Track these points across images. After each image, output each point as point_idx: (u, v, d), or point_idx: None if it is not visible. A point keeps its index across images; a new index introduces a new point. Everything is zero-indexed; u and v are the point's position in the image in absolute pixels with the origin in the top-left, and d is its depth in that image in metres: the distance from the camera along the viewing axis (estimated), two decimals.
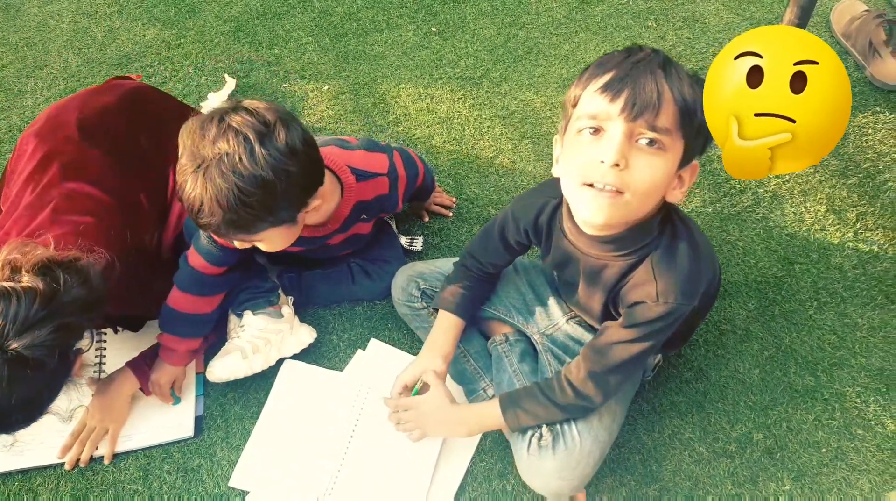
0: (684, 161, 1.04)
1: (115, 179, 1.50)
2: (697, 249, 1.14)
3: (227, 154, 1.15)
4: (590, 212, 1.05)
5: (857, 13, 2.16)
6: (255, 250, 1.39)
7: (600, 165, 1.00)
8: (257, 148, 1.15)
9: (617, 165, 0.98)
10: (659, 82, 0.98)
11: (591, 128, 1.01)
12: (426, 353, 1.46)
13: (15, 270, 1.14)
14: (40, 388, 1.18)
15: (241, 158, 1.15)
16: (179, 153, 1.22)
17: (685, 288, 1.12)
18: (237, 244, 1.34)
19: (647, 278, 1.13)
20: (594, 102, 1.01)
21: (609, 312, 1.26)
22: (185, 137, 1.21)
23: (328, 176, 1.38)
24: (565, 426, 1.27)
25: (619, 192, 1.01)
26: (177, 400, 1.58)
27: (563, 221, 1.22)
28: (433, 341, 1.46)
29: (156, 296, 1.52)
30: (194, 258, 1.49)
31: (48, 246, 1.22)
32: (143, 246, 1.53)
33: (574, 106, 1.06)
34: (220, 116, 1.19)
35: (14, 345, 1.08)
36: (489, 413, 1.34)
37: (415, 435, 1.43)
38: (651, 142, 0.99)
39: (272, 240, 1.31)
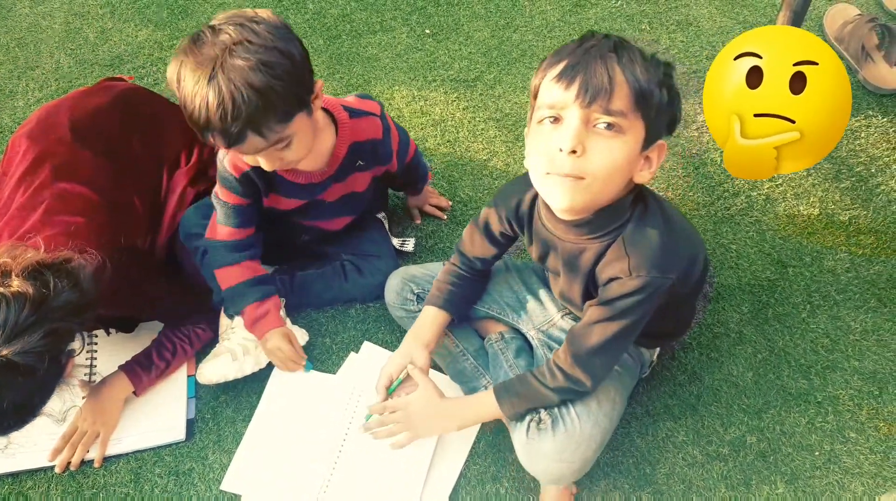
0: (648, 141, 1.06)
1: (108, 180, 1.49)
2: (671, 223, 1.15)
3: (235, 42, 1.14)
4: (554, 198, 1.09)
5: (850, 17, 2.17)
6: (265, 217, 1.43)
7: (559, 153, 1.02)
8: (257, 27, 1.16)
9: (574, 151, 1.01)
10: (610, 66, 1.00)
11: (550, 117, 1.04)
12: (409, 342, 1.45)
13: (4, 274, 1.12)
14: (32, 392, 1.18)
15: (249, 41, 1.15)
16: (181, 86, 1.19)
17: (658, 261, 1.12)
18: (266, 161, 1.31)
19: (620, 255, 1.14)
20: (551, 92, 1.04)
21: (589, 298, 1.27)
22: (182, 65, 1.18)
23: (322, 115, 1.40)
24: (563, 410, 1.27)
25: (580, 177, 1.03)
26: (308, 366, 1.58)
27: (541, 210, 1.24)
28: (415, 331, 1.46)
29: (148, 297, 1.51)
30: (220, 231, 1.50)
31: (38, 249, 1.21)
32: (136, 247, 1.52)
33: (535, 97, 1.09)
34: (202, 29, 1.18)
35: (4, 351, 1.08)
36: (482, 403, 1.34)
37: (403, 438, 1.40)
38: (608, 125, 1.01)
39: (301, 134, 1.28)
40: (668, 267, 1.13)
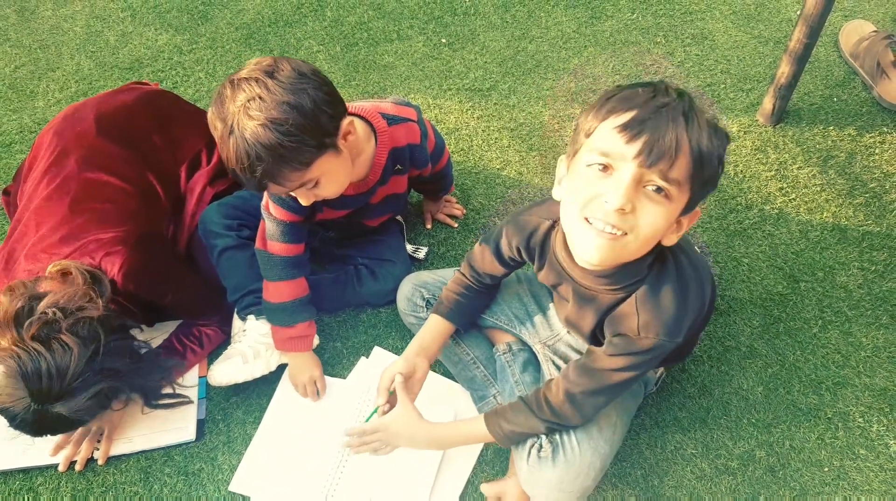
0: (688, 208, 1.03)
1: (132, 170, 1.54)
2: (684, 286, 1.13)
3: (248, 100, 1.19)
4: (586, 250, 1.04)
5: (866, 34, 2.17)
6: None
7: (603, 205, 0.97)
8: (269, 82, 1.20)
9: (623, 209, 0.96)
10: (679, 132, 0.94)
11: (600, 164, 0.98)
12: (413, 352, 1.44)
13: (52, 327, 1.22)
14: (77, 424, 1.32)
15: (260, 97, 1.19)
16: (214, 134, 1.25)
17: (667, 327, 1.11)
18: (301, 198, 1.35)
19: (631, 312, 1.13)
20: (610, 140, 0.97)
21: (597, 336, 1.26)
22: (211, 116, 1.24)
23: (361, 124, 1.42)
24: (565, 437, 1.27)
25: (624, 233, 0.99)
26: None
27: (557, 247, 1.21)
28: (420, 340, 1.45)
29: (171, 282, 1.53)
30: (273, 246, 1.53)
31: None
32: (162, 233, 1.56)
33: (588, 136, 1.01)
34: (230, 80, 1.23)
35: (57, 409, 1.23)
36: (470, 428, 1.34)
37: (386, 449, 1.42)
38: (658, 189, 0.97)
39: (330, 173, 1.31)
40: (676, 332, 1.12)
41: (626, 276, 1.12)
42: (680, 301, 1.11)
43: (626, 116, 0.96)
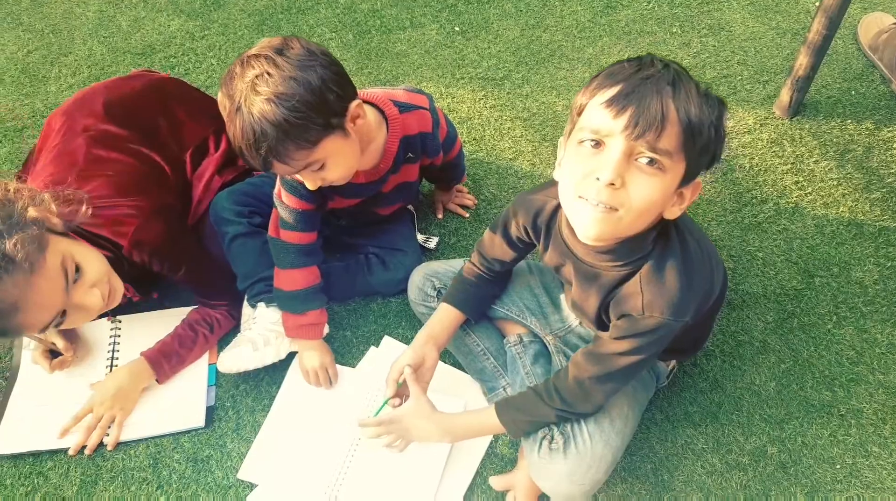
0: (686, 179, 1.02)
1: (138, 149, 1.54)
2: (689, 264, 1.11)
3: (257, 76, 1.18)
4: (582, 225, 1.04)
5: (885, 26, 2.14)
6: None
7: (596, 181, 0.98)
8: (279, 59, 1.20)
9: (612, 184, 0.96)
10: (665, 102, 0.94)
11: (592, 140, 0.99)
12: (422, 341, 1.43)
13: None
14: None
15: (269, 73, 1.18)
16: (223, 113, 1.24)
17: (672, 305, 1.10)
18: (307, 181, 1.34)
19: (635, 291, 1.12)
20: (598, 116, 0.98)
21: (602, 318, 1.25)
22: (221, 95, 1.24)
23: (372, 111, 1.41)
24: (576, 429, 1.26)
25: (614, 209, 0.99)
26: None
27: (562, 225, 1.21)
28: (429, 329, 1.45)
29: (186, 256, 1.53)
30: (286, 235, 1.52)
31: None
32: (174, 205, 1.57)
33: (579, 114, 1.03)
34: (240, 58, 1.23)
35: None
36: (482, 418, 1.33)
37: (400, 445, 1.40)
38: (651, 161, 0.97)
39: (337, 156, 1.30)
40: (682, 311, 1.11)
41: (629, 251, 1.12)
42: (685, 280, 1.10)
43: (612, 91, 0.97)
